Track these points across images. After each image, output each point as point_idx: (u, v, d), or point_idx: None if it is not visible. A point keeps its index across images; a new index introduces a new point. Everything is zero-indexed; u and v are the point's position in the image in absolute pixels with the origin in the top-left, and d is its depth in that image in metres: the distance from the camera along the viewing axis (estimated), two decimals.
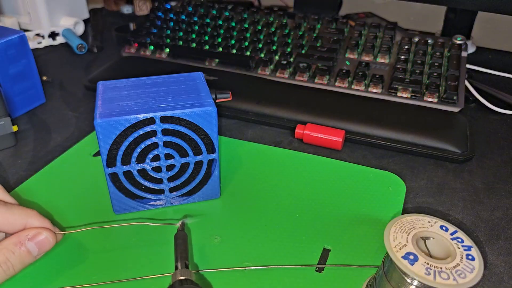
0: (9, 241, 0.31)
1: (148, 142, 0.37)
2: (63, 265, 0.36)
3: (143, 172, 0.39)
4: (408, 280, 0.28)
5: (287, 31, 0.67)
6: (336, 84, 0.58)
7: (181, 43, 0.67)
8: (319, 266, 0.36)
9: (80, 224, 0.39)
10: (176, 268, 0.33)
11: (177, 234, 0.36)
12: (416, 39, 0.64)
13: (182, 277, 0.32)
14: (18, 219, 0.32)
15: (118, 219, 0.40)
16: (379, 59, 0.62)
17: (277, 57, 0.63)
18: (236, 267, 0.35)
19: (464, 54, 0.61)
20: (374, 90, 0.57)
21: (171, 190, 0.40)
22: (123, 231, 0.39)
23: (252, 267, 0.35)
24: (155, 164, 0.38)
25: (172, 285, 0.31)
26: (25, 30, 0.76)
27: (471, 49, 0.74)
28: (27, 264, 0.32)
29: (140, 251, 0.37)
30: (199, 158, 0.39)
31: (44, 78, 0.64)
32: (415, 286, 0.28)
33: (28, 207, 0.34)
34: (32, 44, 0.74)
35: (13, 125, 0.49)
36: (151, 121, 0.36)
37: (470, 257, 0.27)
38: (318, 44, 0.64)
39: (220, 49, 0.65)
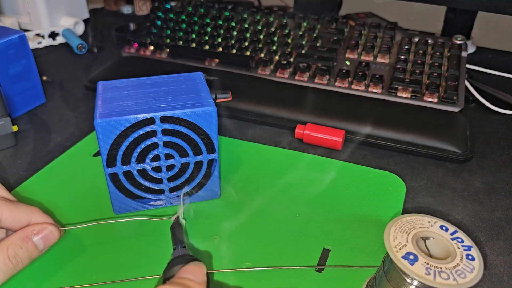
0: (16, 236, 0.32)
1: (148, 142, 0.37)
2: (63, 264, 0.36)
3: (143, 172, 0.39)
4: (408, 280, 0.28)
5: (287, 31, 0.67)
6: (336, 84, 0.58)
7: (181, 43, 0.67)
8: (319, 267, 0.36)
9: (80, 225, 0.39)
10: (174, 249, 0.34)
11: (172, 225, 0.37)
12: (416, 39, 0.64)
13: (180, 254, 0.33)
14: (23, 216, 0.33)
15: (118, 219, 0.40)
16: (379, 59, 0.62)
17: (277, 57, 0.63)
18: (236, 267, 0.35)
19: (464, 54, 0.61)
20: (374, 90, 0.57)
21: (171, 190, 0.40)
22: (124, 230, 0.39)
23: (252, 268, 0.35)
24: (155, 164, 0.38)
25: (172, 260, 0.32)
26: (25, 30, 0.76)
27: (471, 49, 0.74)
28: (34, 258, 0.33)
29: (141, 251, 0.37)
30: (199, 158, 0.39)
31: (44, 78, 0.64)
32: (415, 286, 0.28)
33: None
34: (32, 44, 0.74)
35: (13, 125, 0.49)
36: (151, 121, 0.36)
37: (470, 257, 0.27)
38: (318, 44, 0.64)
39: (220, 49, 0.65)
